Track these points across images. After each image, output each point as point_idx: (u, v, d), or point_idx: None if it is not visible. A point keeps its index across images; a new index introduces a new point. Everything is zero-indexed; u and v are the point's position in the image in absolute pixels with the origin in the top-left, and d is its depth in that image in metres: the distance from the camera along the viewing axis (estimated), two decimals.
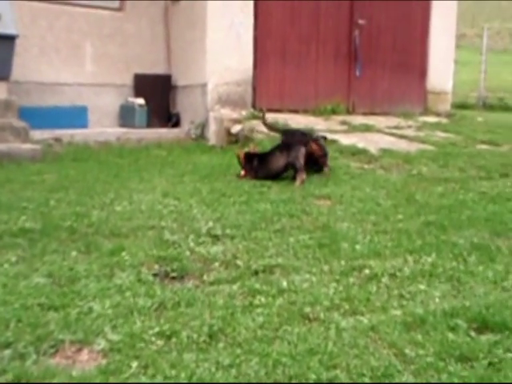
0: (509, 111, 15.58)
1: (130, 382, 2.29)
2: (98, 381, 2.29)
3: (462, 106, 15.15)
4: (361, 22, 9.92)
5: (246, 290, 3.17)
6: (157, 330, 2.67)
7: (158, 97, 9.60)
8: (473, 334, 2.72)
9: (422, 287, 3.29)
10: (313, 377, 2.33)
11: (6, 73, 7.56)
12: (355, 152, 7.10)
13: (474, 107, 16.09)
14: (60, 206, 4.77)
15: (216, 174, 6.25)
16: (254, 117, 8.64)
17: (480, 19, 31.30)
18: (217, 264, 3.58)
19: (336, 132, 8.05)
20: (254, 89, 9.21)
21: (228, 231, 4.18)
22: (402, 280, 3.39)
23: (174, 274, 3.42)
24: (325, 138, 6.52)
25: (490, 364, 2.45)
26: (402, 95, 10.53)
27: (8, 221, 4.25)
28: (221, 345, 2.58)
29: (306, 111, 9.40)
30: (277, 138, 6.74)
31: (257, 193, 5.41)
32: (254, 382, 2.30)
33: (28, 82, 8.66)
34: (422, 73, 10.85)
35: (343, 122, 8.90)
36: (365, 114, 9.94)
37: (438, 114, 10.67)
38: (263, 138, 7.73)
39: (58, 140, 8.07)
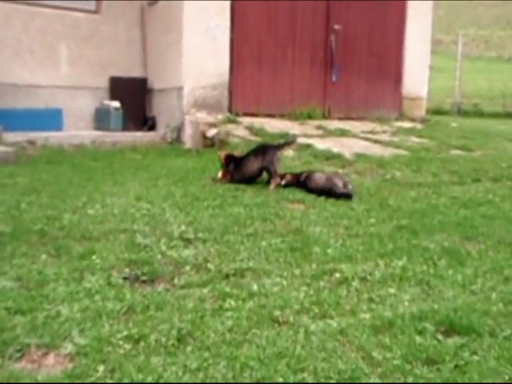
0: (483, 117, 15.77)
1: None
2: None
3: (437, 111, 15.31)
4: (337, 27, 9.98)
5: (217, 294, 3.17)
6: (125, 333, 2.66)
7: (133, 100, 9.58)
8: (440, 337, 2.74)
9: (392, 291, 3.31)
10: (280, 380, 2.34)
11: None
12: (330, 156, 7.12)
13: (449, 113, 16.27)
14: (31, 209, 4.72)
15: (190, 178, 6.23)
16: (230, 121, 8.66)
17: (456, 26, 31.68)
18: (188, 267, 3.57)
19: (311, 136, 8.07)
20: (231, 93, 9.21)
21: (200, 235, 4.17)
22: (372, 284, 3.41)
23: (144, 278, 3.40)
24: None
25: (455, 367, 2.48)
26: (377, 100, 10.60)
27: None
28: (189, 348, 2.57)
29: (282, 116, 9.43)
30: (253, 142, 6.73)
31: (231, 196, 5.41)
32: None
33: (1, 83, 8.59)
34: (398, 78, 10.93)
35: (319, 127, 8.94)
36: (340, 118, 10.00)
37: (412, 120, 10.76)
38: (239, 141, 7.73)
39: (31, 143, 7.99)
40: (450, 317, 2.90)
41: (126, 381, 2.30)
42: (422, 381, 2.37)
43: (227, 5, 9.04)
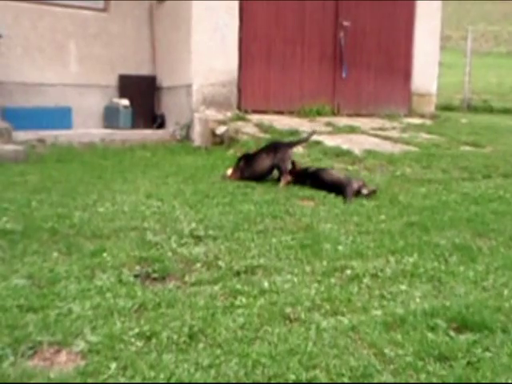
0: (493, 113, 15.69)
1: (108, 383, 2.28)
2: (76, 382, 2.27)
3: (446, 107, 15.25)
4: (346, 23, 9.97)
5: (228, 291, 3.16)
6: (137, 330, 2.66)
7: (142, 98, 9.60)
8: (452, 333, 2.73)
9: (403, 287, 3.30)
10: (292, 377, 2.33)
11: None
12: (339, 153, 7.11)
13: (459, 109, 16.18)
14: (42, 207, 4.74)
15: (200, 175, 6.23)
16: (239, 118, 8.66)
17: (465, 22, 31.51)
18: (199, 265, 3.57)
19: (321, 133, 8.04)
20: (239, 90, 9.22)
21: (211, 232, 4.17)
22: (383, 280, 3.40)
23: (155, 275, 3.40)
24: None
25: (468, 363, 2.46)
26: (386, 97, 10.58)
27: None
28: (201, 345, 2.57)
29: (291, 113, 9.43)
30: (262, 139, 6.72)
31: (240, 194, 5.40)
32: (233, 382, 2.30)
33: (11, 82, 8.62)
34: (407, 74, 10.90)
35: (328, 124, 8.92)
36: (350, 115, 9.98)
37: (422, 116, 10.73)
38: (248, 139, 7.73)
39: (41, 141, 8.03)
40: (462, 313, 2.89)
41: (138, 378, 2.30)
42: (434, 378, 2.36)
43: (236, 4, 9.04)
